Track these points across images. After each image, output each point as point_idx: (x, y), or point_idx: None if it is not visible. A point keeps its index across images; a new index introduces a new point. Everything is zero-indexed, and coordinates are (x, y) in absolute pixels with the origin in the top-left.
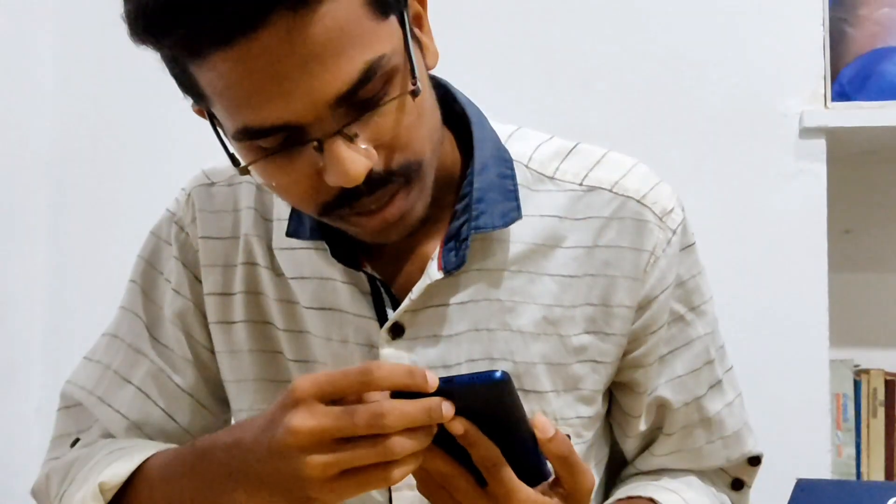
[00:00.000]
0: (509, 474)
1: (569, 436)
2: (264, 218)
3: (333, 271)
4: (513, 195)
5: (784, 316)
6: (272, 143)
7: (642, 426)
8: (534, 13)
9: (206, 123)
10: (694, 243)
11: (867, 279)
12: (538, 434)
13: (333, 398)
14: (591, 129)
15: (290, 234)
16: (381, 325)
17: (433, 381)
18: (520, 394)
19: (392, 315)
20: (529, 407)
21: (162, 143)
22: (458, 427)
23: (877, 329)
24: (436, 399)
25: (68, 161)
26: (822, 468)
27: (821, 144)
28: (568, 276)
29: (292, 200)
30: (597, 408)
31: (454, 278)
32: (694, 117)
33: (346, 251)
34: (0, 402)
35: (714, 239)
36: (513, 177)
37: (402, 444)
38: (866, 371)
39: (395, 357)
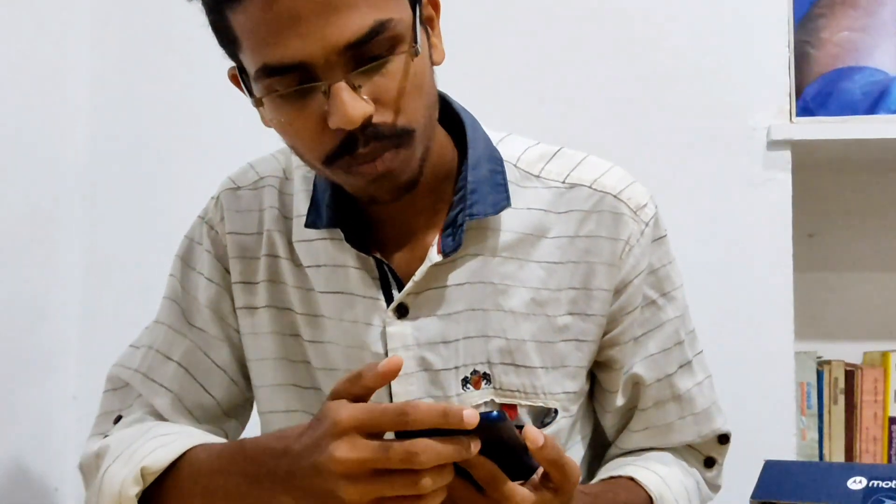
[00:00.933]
0: (507, 484)
1: (556, 410)
2: (285, 216)
3: (346, 258)
4: (502, 188)
5: (753, 311)
6: (287, 84)
7: (619, 401)
8: (522, 33)
9: (234, 132)
10: (665, 236)
11: (829, 278)
12: (530, 445)
13: (372, 432)
14: (575, 139)
15: (308, 225)
16: (388, 306)
17: (472, 420)
18: (512, 369)
19: (397, 296)
20: (521, 381)
21: (191, 150)
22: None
23: (838, 324)
24: (465, 440)
25: (102, 166)
26: (788, 450)
27: (786, 155)
28: (553, 263)
29: (302, 146)
30: (580, 383)
31: (452, 263)
32: (671, 129)
33: (358, 238)
34: (39, 389)
35: (689, 241)
36: (503, 173)
37: (432, 480)
38: (828, 362)
39: (400, 334)
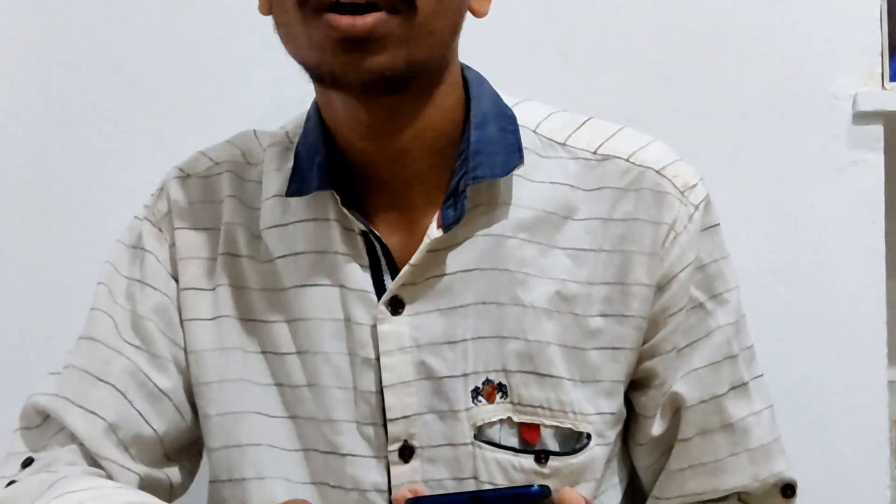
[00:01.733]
0: None
1: (589, 435)
2: (247, 206)
3: (330, 241)
4: (515, 147)
5: (835, 329)
6: None
7: (656, 430)
8: None
9: (171, 116)
10: (718, 224)
11: None
12: None
13: None
14: (609, 112)
15: (290, 193)
16: (379, 299)
17: None
18: (534, 378)
19: (391, 286)
20: (545, 395)
21: (114, 130)
22: None
23: None
24: None
25: (3, 162)
26: (880, 502)
27: (878, 131)
28: (581, 250)
29: None
30: (618, 404)
31: (456, 243)
32: (730, 100)
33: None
34: None
35: (753, 240)
36: (515, 132)
37: None
38: None
39: (394, 333)
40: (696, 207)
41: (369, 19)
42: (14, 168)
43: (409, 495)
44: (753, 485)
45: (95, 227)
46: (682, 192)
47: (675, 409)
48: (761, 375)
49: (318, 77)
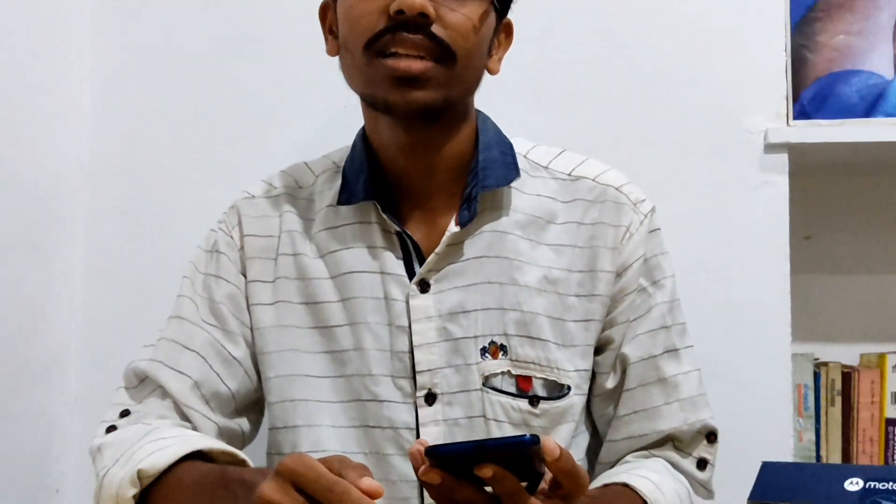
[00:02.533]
0: (525, 497)
1: (569, 387)
2: (302, 218)
3: (372, 238)
4: (513, 166)
5: (751, 314)
6: None
7: (609, 383)
8: (519, 39)
9: (235, 136)
10: (658, 230)
11: (825, 281)
12: (547, 458)
13: (304, 488)
14: (573, 142)
15: (341, 202)
16: (411, 281)
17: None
18: (527, 341)
19: (419, 270)
20: (535, 354)
21: (192, 153)
22: (488, 471)
23: (834, 326)
24: None
25: (102, 168)
26: (785, 452)
27: (783, 158)
28: (561, 245)
29: (356, 28)
30: (589, 363)
31: (469, 237)
32: (669, 133)
33: (388, 213)
34: (40, 392)
35: (686, 243)
36: (512, 155)
37: None
38: (825, 364)
39: (422, 306)
40: (645, 216)
41: (421, 65)
42: (117, 193)
43: (421, 447)
44: (683, 428)
45: (179, 236)
46: (634, 204)
47: (623, 367)
48: (691, 346)
49: (374, 105)
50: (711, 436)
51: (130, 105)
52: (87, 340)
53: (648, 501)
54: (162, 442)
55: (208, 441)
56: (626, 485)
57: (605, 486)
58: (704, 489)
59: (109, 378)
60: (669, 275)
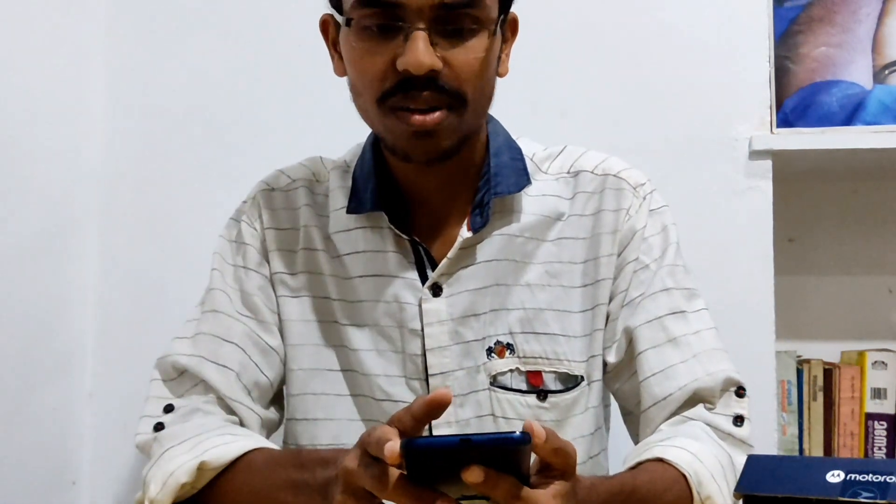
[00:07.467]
0: (527, 492)
1: (582, 377)
2: (319, 214)
3: (384, 243)
4: (523, 171)
5: (736, 313)
6: (375, 19)
7: (611, 357)
8: (518, 47)
9: (251, 135)
10: (662, 207)
11: (808, 282)
12: (536, 440)
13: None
14: None
15: (350, 211)
16: (423, 285)
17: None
18: (533, 336)
19: (432, 275)
20: (542, 348)
21: (207, 154)
22: (477, 475)
23: (817, 324)
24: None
25: (118, 170)
26: (769, 445)
27: (767, 165)
28: (564, 239)
29: (366, 81)
30: (599, 346)
31: (480, 241)
32: (659, 141)
33: (397, 223)
34: (56, 387)
35: None
36: (522, 160)
37: None
38: (807, 361)
39: (434, 310)
40: (644, 198)
41: (435, 116)
42: (130, 196)
43: (396, 443)
44: (705, 380)
45: (190, 237)
46: (633, 188)
47: (629, 338)
48: (704, 309)
49: (392, 151)
50: (741, 390)
51: (143, 111)
52: (101, 339)
53: (688, 476)
54: (229, 437)
55: (268, 443)
56: (660, 459)
57: (639, 464)
58: (746, 445)
59: (122, 374)
60: (673, 241)
